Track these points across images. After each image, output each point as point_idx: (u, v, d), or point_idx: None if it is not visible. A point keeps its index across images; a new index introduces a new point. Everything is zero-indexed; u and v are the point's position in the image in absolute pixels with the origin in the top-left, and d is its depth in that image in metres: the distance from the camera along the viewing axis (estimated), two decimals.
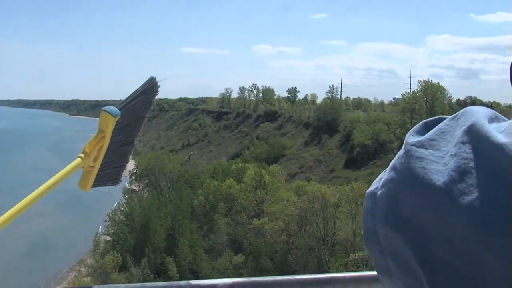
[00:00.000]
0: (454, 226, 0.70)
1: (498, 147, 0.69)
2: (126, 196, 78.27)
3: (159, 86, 2.22)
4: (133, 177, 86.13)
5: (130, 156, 2.27)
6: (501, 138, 0.71)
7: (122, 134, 2.14)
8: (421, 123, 0.88)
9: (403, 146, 0.83)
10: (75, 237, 73.04)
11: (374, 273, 2.09)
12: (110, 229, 72.78)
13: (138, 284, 2.01)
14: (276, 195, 71.17)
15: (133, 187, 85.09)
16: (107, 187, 2.20)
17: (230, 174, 79.95)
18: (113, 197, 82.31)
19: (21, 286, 49.68)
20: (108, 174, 2.18)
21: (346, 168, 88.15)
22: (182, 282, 2.04)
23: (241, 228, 67.85)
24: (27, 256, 57.93)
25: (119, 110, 2.06)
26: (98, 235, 71.68)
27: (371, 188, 0.89)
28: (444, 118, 0.86)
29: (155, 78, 2.25)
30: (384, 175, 0.87)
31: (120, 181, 2.30)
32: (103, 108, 2.03)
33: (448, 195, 0.71)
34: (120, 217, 72.68)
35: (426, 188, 0.74)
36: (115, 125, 2.06)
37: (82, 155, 2.01)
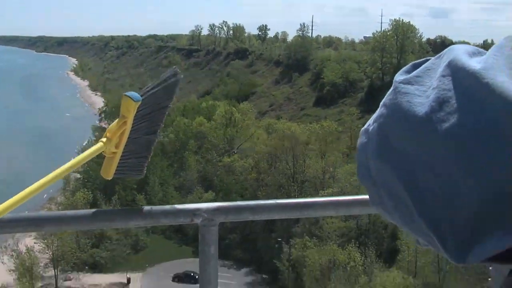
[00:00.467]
0: (435, 152, 0.76)
1: (473, 75, 0.75)
2: (96, 134, 77.95)
3: (181, 77, 2.23)
4: (103, 115, 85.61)
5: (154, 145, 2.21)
6: (476, 66, 0.76)
7: (144, 122, 2.13)
8: (410, 64, 0.93)
9: (393, 84, 0.88)
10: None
11: (352, 197, 2.18)
12: (80, 166, 72.60)
13: (124, 209, 2.06)
14: (246, 133, 71.60)
15: (103, 124, 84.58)
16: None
17: (200, 112, 79.87)
18: (84, 134, 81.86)
19: None
20: (131, 164, 2.17)
21: (316, 106, 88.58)
22: (167, 207, 2.10)
23: (211, 165, 68.32)
24: None
25: (141, 96, 2.06)
26: (68, 173, 71.54)
27: (365, 125, 0.93)
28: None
29: (177, 68, 2.26)
30: (376, 112, 0.91)
31: (144, 173, 2.24)
32: (124, 94, 2.02)
33: (429, 123, 0.77)
34: None
35: (410, 119, 0.80)
36: (137, 112, 2.05)
37: (104, 140, 1.99)
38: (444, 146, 0.75)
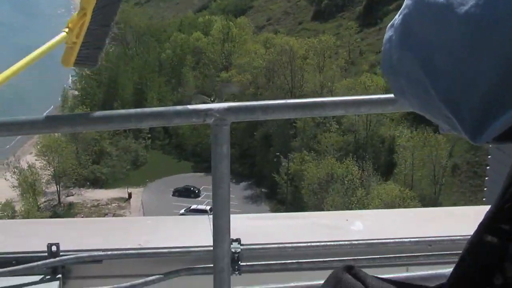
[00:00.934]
0: (454, 35, 0.80)
1: None
2: None
3: None
4: None
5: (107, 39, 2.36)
6: None
7: (101, 15, 2.22)
8: None
9: None
10: (43, 92, 72.61)
11: (361, 97, 2.22)
12: (77, 84, 72.40)
13: (138, 110, 2.10)
14: (244, 48, 70.95)
15: None
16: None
17: (197, 27, 78.88)
18: None
19: None
20: (88, 55, 2.28)
21: (314, 21, 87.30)
22: (180, 107, 2.15)
23: (209, 81, 68.15)
24: None
25: None
26: (65, 90, 71.40)
27: (392, 21, 0.97)
28: None
29: None
30: (402, 6, 0.94)
31: (99, 63, 2.38)
32: None
33: (449, 8, 0.81)
34: (87, 72, 72.17)
35: (432, 6, 0.83)
36: (96, 4, 2.15)
37: (66, 30, 2.10)
38: (463, 27, 0.78)
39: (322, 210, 46.06)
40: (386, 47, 0.95)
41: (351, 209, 45.25)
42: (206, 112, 2.09)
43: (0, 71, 1.96)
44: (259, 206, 54.73)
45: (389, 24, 0.96)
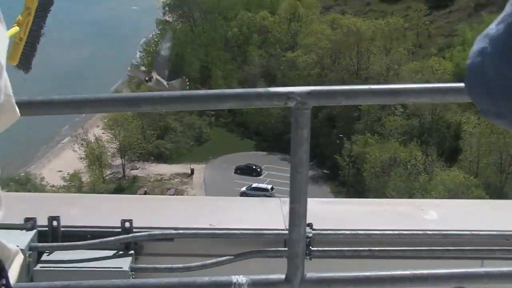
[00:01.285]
0: None
1: None
2: (160, 27, 78.06)
3: None
4: (167, 8, 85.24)
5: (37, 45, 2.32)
6: None
7: (39, 18, 2.20)
8: None
9: None
10: (109, 67, 73.92)
11: (448, 85, 2.13)
12: (144, 60, 73.47)
13: (218, 91, 2.09)
14: (310, 28, 70.50)
15: (167, 18, 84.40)
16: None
17: (264, 5, 78.67)
18: (147, 28, 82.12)
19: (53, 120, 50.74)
20: (25, 56, 2.23)
21: (382, 2, 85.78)
22: (261, 90, 2.12)
23: (274, 60, 68.03)
24: (60, 87, 58.80)
25: None
26: (133, 65, 72.62)
27: (484, 31, 0.81)
28: None
29: None
30: (502, 13, 0.79)
31: (31, 69, 2.28)
32: None
33: None
34: (154, 48, 73.10)
35: None
36: (38, 4, 2.14)
37: (17, 24, 2.10)
38: None
39: (384, 194, 45.66)
40: (476, 61, 0.79)
41: (413, 194, 44.66)
42: (288, 95, 2.06)
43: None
44: (321, 187, 54.55)
45: (482, 35, 0.81)
